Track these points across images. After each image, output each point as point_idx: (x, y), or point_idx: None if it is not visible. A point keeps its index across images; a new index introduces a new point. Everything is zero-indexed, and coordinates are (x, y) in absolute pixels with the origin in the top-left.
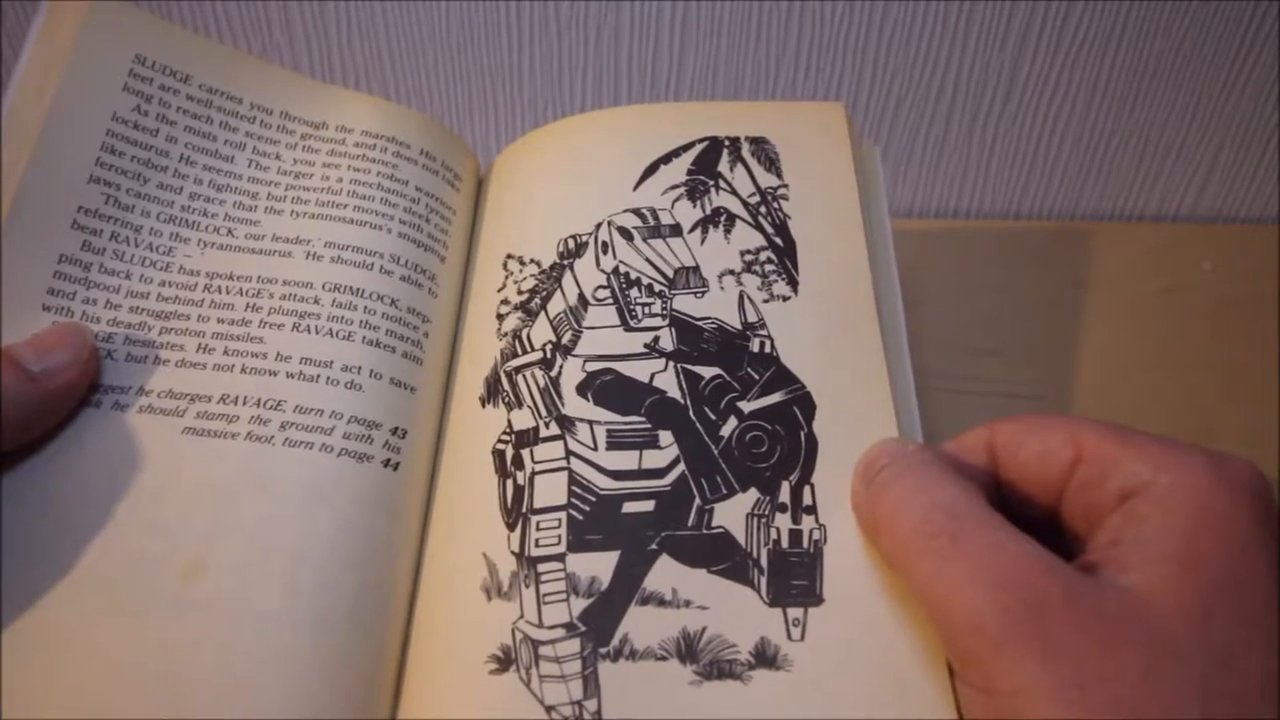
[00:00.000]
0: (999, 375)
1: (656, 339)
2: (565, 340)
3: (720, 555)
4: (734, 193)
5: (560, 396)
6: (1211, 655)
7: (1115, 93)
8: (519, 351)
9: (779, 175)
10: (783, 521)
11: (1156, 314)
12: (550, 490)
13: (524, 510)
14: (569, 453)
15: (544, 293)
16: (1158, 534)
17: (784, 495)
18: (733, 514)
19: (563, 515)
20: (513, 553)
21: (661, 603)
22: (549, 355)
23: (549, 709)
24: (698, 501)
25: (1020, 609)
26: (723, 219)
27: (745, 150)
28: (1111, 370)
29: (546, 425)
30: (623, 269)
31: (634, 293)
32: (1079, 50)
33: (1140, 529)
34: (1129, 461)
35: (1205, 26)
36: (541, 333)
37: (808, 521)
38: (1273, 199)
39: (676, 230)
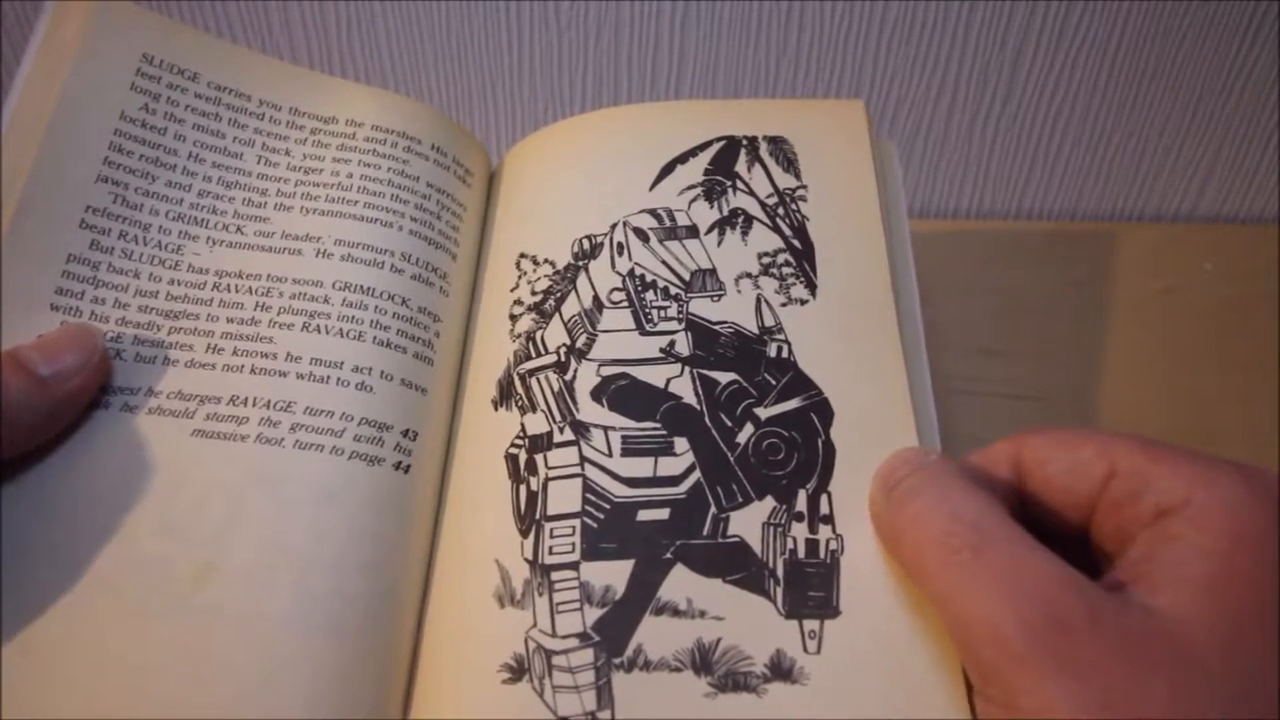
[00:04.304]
0: (999, 375)
1: (672, 343)
2: (580, 343)
3: (736, 565)
4: (752, 194)
5: (575, 401)
6: (1240, 679)
7: (1115, 93)
8: (533, 354)
9: (797, 176)
10: (799, 531)
11: (1156, 314)
12: (564, 497)
13: (537, 517)
14: (583, 459)
15: (558, 294)
16: (1190, 555)
17: (801, 504)
18: (749, 523)
19: (577, 523)
20: (526, 560)
21: (676, 613)
22: (563, 358)
23: None
24: (713, 510)
25: (1043, 625)
26: (740, 220)
27: (763, 150)
28: (1111, 370)
29: (561, 430)
30: (638, 271)
31: (650, 296)
32: (1079, 50)
33: (1172, 549)
34: (1163, 478)
35: (1205, 26)
36: (556, 335)
37: (825, 531)
38: (1273, 199)
39: (693, 232)
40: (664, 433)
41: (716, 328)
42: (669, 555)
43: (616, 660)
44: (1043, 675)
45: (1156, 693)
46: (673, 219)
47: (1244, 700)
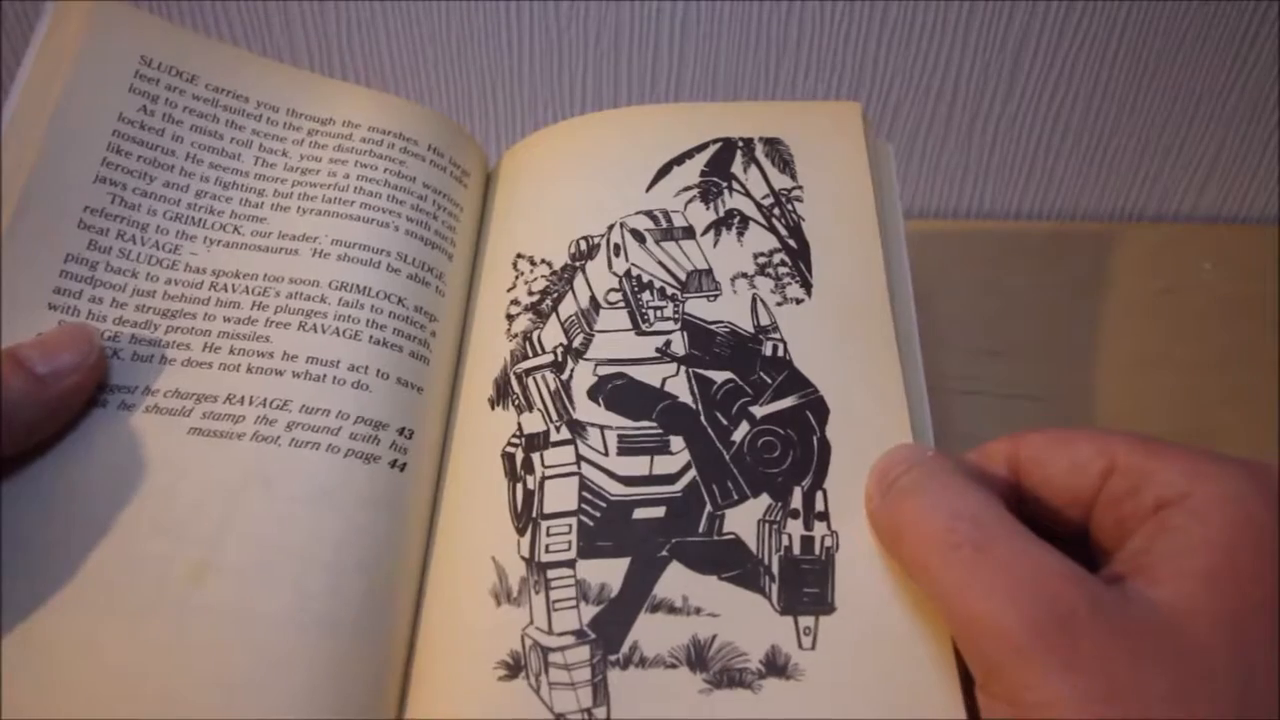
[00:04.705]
0: (998, 375)
1: (668, 343)
2: (576, 343)
3: (731, 562)
4: (747, 194)
5: (571, 400)
6: (1242, 672)
7: (1115, 93)
8: (529, 353)
9: (793, 177)
10: (795, 528)
11: (1156, 314)
12: (561, 495)
13: (534, 515)
14: (580, 457)
15: (555, 294)
16: (1192, 547)
17: (796, 501)
18: (744, 520)
19: (573, 521)
20: (522, 558)
21: (672, 610)
22: (560, 358)
23: (558, 716)
24: (709, 508)
25: (1046, 619)
26: (736, 221)
27: (759, 151)
28: (1111, 370)
29: (557, 429)
30: (635, 272)
31: (646, 296)
32: (1079, 50)
33: (1174, 541)
34: (1164, 472)
35: (1205, 26)
36: (553, 335)
37: (820, 528)
38: (1273, 199)
39: (689, 233)
40: (660, 432)
41: (712, 327)
42: (665, 553)
43: (612, 657)
44: (1047, 669)
45: (1160, 684)
46: (669, 220)
47: (1246, 691)
